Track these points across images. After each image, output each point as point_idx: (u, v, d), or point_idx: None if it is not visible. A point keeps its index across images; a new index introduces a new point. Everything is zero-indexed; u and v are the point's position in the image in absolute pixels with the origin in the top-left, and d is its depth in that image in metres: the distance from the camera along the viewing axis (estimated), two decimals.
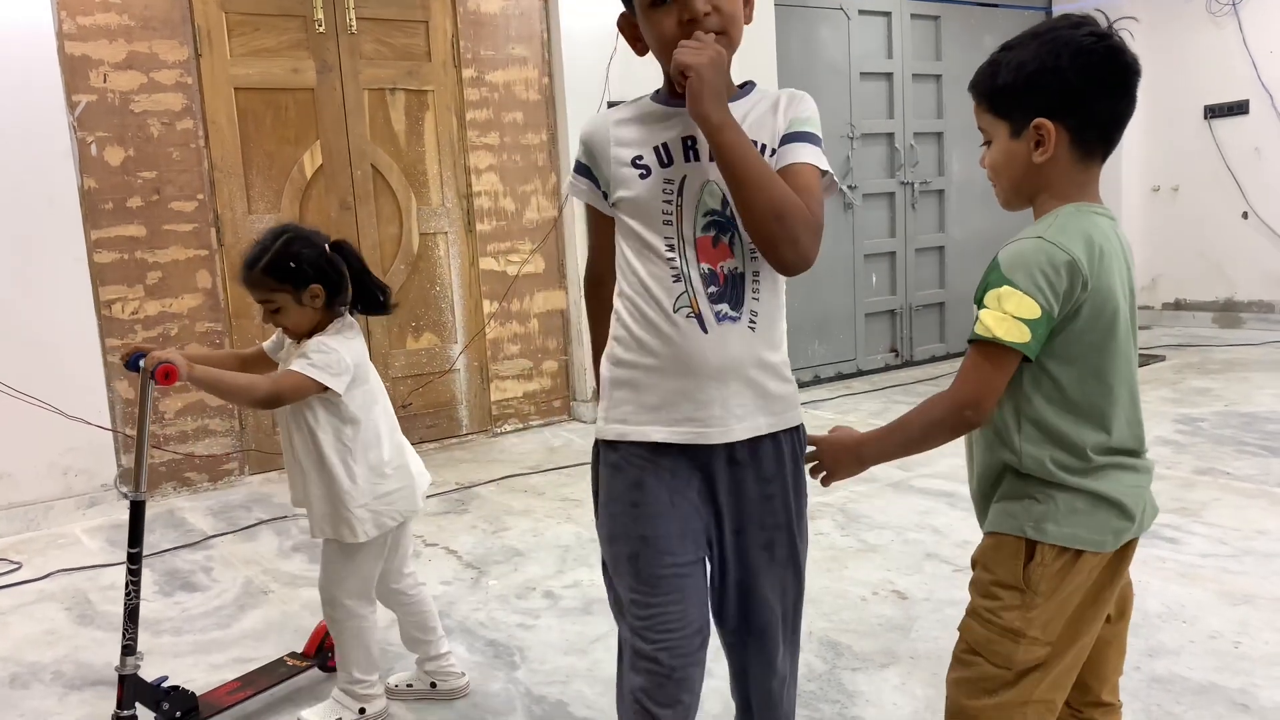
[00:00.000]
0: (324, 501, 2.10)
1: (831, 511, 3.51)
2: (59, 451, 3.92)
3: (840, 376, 6.16)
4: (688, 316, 1.44)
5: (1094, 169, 1.39)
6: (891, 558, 3.05)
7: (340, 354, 2.06)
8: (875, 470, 3.92)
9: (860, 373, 6.26)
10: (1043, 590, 1.36)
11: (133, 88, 4.07)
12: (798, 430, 1.56)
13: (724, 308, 1.45)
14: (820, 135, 1.46)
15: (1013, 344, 1.29)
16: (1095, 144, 1.37)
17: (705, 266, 1.45)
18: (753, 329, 1.46)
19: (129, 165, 4.08)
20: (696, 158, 1.45)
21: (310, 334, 2.11)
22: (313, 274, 2.07)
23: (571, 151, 5.06)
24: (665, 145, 1.46)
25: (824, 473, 1.51)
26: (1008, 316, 1.29)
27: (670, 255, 1.46)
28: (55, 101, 3.86)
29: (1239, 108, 6.68)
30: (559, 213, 5.20)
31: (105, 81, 4.01)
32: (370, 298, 2.20)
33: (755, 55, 5.33)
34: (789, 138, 1.45)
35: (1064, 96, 1.34)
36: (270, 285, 2.06)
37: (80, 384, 3.95)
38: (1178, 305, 7.14)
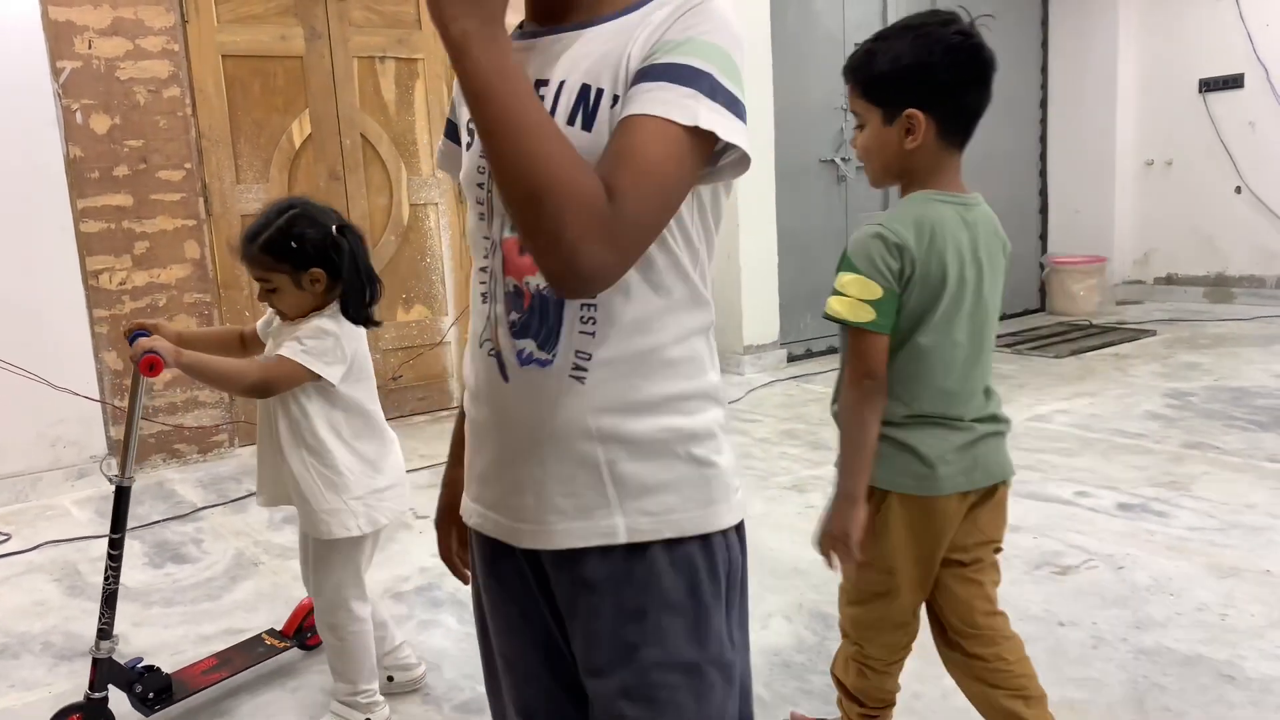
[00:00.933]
0: (312, 494, 1.96)
1: (823, 485, 3.51)
2: (47, 423, 3.90)
3: (832, 350, 6.13)
4: (490, 354, 1.00)
5: (955, 156, 1.53)
6: None
7: (339, 340, 1.94)
8: None
9: None
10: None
11: (118, 54, 4.01)
12: (704, 544, 0.98)
13: (528, 345, 0.96)
14: (710, 69, 0.90)
15: (860, 324, 1.48)
16: (957, 134, 1.51)
17: (510, 281, 0.98)
18: (581, 379, 0.94)
19: (115, 133, 4.03)
20: None
21: (305, 316, 1.98)
22: (315, 256, 1.92)
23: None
24: None
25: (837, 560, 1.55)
26: (853, 299, 1.48)
27: (484, 263, 1.01)
28: (40, 68, 3.80)
29: (1234, 81, 6.65)
30: None
31: (90, 48, 3.95)
32: (355, 300, 1.99)
33: (750, 28, 5.28)
34: (642, 74, 0.89)
35: (934, 90, 1.46)
36: (267, 264, 1.92)
37: (68, 355, 3.92)
38: (1169, 280, 7.15)
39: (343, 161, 4.64)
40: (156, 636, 2.60)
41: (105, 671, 2.05)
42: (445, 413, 5.00)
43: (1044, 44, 7.20)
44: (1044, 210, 7.38)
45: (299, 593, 2.81)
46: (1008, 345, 6.02)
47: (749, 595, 1.07)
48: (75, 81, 3.93)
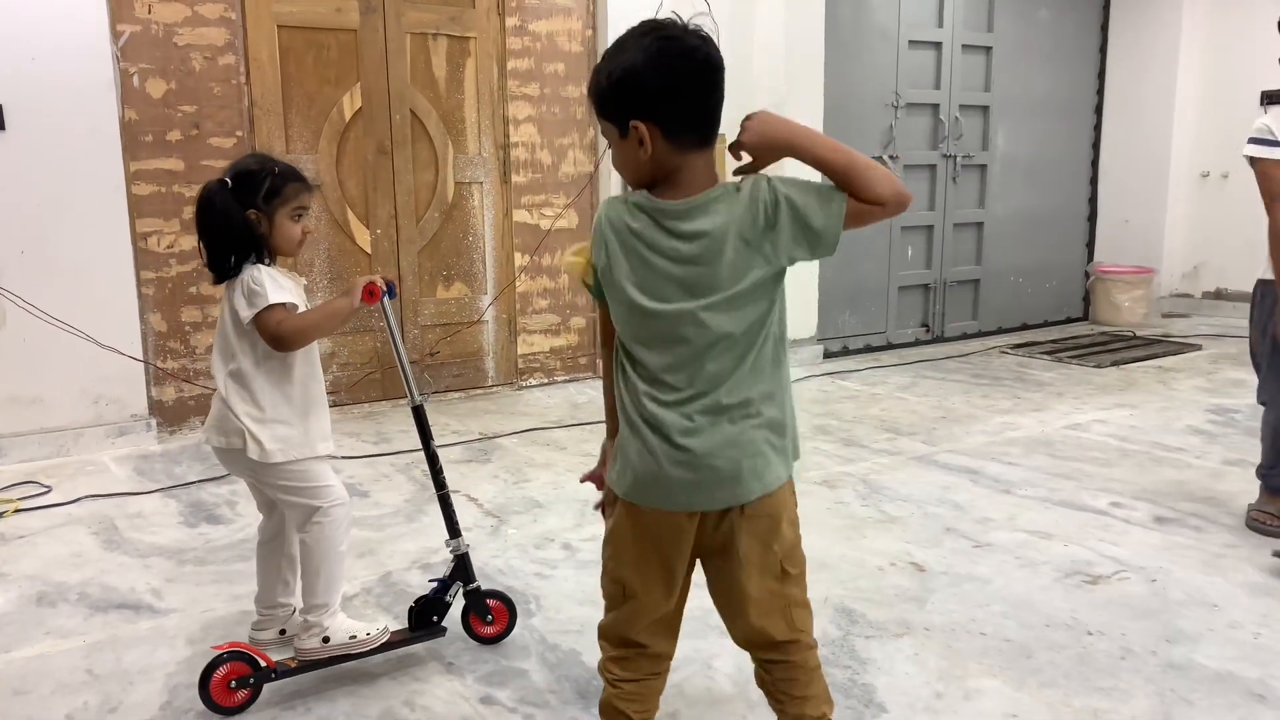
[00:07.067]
0: None
1: (853, 481, 3.49)
2: (91, 380, 3.97)
3: (869, 349, 6.11)
4: None
5: (695, 156, 1.45)
6: (911, 530, 3.04)
7: None
8: (900, 444, 3.87)
9: (890, 346, 6.21)
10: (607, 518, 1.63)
11: (176, 20, 4.06)
12: None
13: None
14: None
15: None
16: (689, 135, 1.44)
17: None
18: None
19: (170, 98, 4.08)
20: None
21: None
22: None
23: None
24: None
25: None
26: None
27: None
28: (100, 31, 3.86)
29: None
30: (595, 168, 5.17)
31: (150, 13, 4.00)
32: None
33: (805, 20, 5.24)
34: None
35: (648, 99, 1.41)
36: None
37: (114, 314, 3.99)
38: (1218, 294, 7.01)
39: (391, 136, 4.66)
40: (189, 594, 2.64)
41: (470, 564, 2.28)
42: (480, 390, 5.03)
43: (1103, 48, 7.08)
44: (1092, 218, 7.27)
45: None
46: (1048, 353, 5.95)
47: None
48: (134, 46, 3.99)
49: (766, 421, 1.49)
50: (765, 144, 1.46)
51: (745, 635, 1.62)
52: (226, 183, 2.06)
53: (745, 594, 1.55)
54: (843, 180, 1.43)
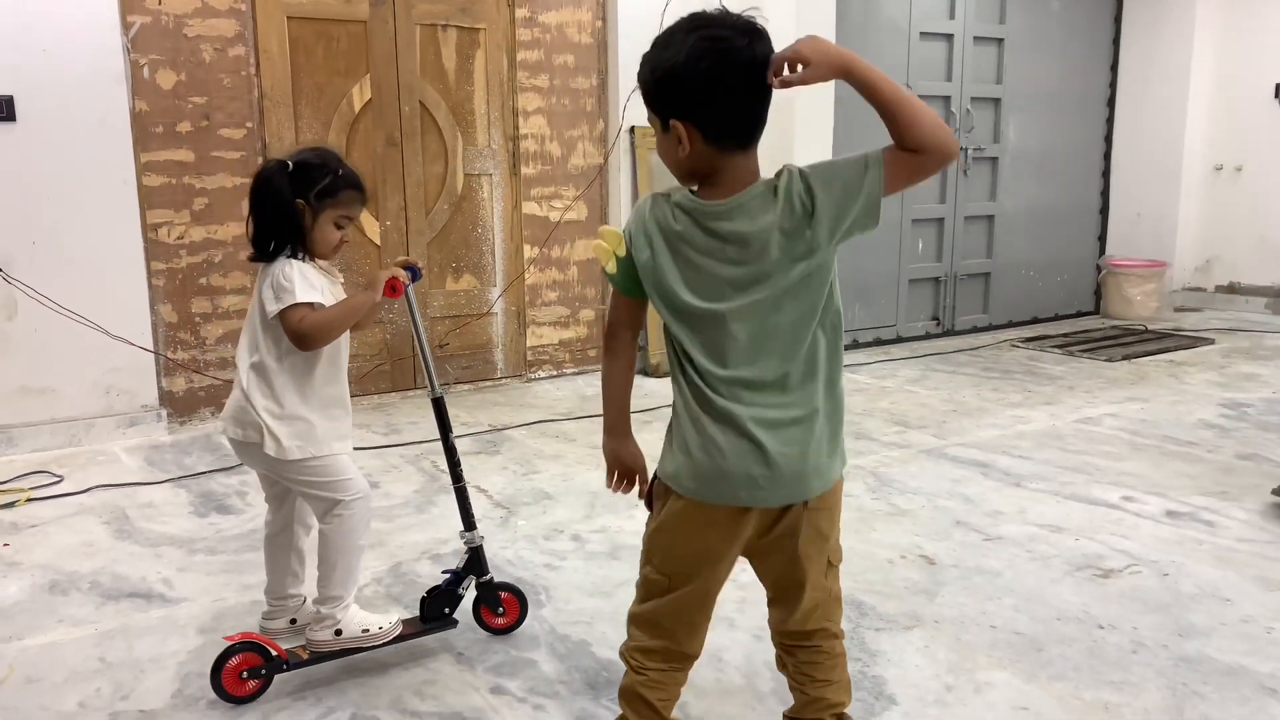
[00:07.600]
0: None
1: (863, 474, 3.49)
2: (102, 371, 3.98)
3: (879, 342, 6.09)
4: None
5: (737, 158, 1.44)
6: (921, 523, 3.03)
7: None
8: (910, 437, 3.86)
9: (900, 339, 6.19)
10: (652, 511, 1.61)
11: (186, 11, 4.06)
12: None
13: None
14: None
15: None
16: (730, 138, 1.42)
17: None
18: None
19: (180, 90, 4.09)
20: None
21: None
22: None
23: (622, 97, 5.02)
24: None
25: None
26: None
27: None
28: (111, 22, 3.87)
29: None
30: (605, 160, 5.16)
31: (160, 4, 4.01)
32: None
33: (815, 11, 5.22)
34: None
35: (687, 97, 1.39)
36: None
37: (124, 305, 4.00)
38: (1231, 289, 6.97)
39: (400, 128, 4.66)
40: (199, 583, 2.65)
41: (484, 557, 2.28)
42: (489, 383, 5.03)
43: (1116, 40, 7.03)
44: (1104, 211, 7.23)
45: None
46: (1059, 346, 5.93)
47: None
48: (144, 37, 3.99)
49: (824, 415, 1.49)
50: (822, 58, 1.36)
51: (794, 620, 1.61)
52: (288, 165, 2.05)
53: (799, 587, 1.57)
54: (889, 113, 1.36)
